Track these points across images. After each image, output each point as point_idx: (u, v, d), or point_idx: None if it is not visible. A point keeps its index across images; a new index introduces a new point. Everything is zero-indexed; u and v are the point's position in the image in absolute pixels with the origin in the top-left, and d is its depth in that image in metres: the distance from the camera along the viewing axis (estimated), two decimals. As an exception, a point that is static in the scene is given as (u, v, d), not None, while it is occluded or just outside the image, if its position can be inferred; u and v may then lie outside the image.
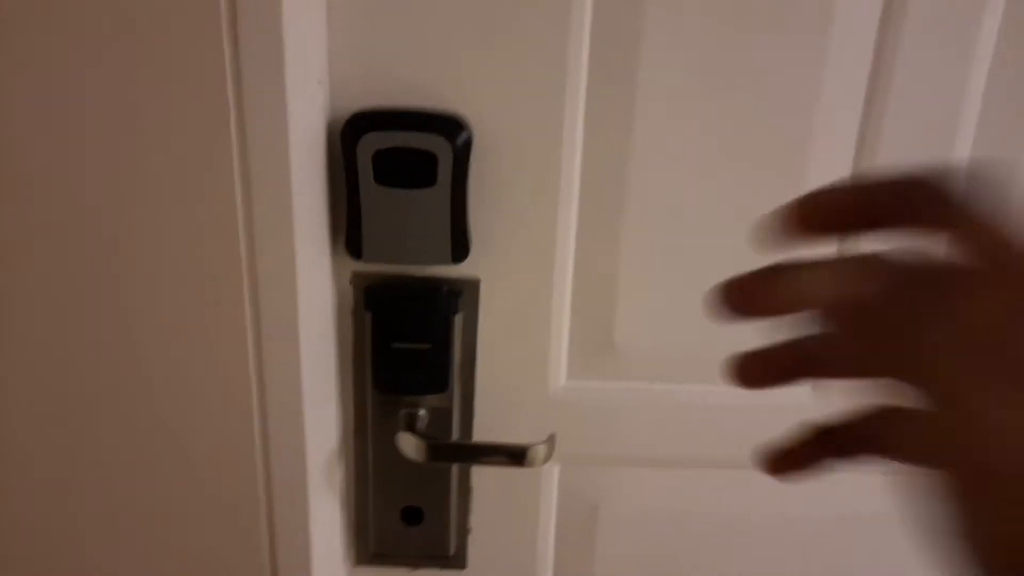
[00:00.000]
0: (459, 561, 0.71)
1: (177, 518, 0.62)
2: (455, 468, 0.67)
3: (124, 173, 0.52)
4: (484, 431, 0.67)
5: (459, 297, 0.62)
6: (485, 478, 0.69)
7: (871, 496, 0.71)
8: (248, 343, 0.57)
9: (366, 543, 0.70)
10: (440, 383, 0.63)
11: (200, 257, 0.54)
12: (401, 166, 0.55)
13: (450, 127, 0.55)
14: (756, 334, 0.32)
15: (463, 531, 0.71)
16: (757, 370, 0.30)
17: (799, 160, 0.60)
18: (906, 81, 0.58)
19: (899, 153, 0.60)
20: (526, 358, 0.65)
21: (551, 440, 0.62)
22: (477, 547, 0.72)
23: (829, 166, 0.61)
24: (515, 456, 0.61)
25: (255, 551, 0.63)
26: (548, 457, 0.62)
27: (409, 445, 0.61)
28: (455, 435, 0.66)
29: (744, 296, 0.27)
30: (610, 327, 0.65)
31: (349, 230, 0.58)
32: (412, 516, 0.69)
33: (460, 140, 0.55)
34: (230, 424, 0.59)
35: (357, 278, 0.62)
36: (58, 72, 0.50)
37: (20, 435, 0.59)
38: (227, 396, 0.58)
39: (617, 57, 0.57)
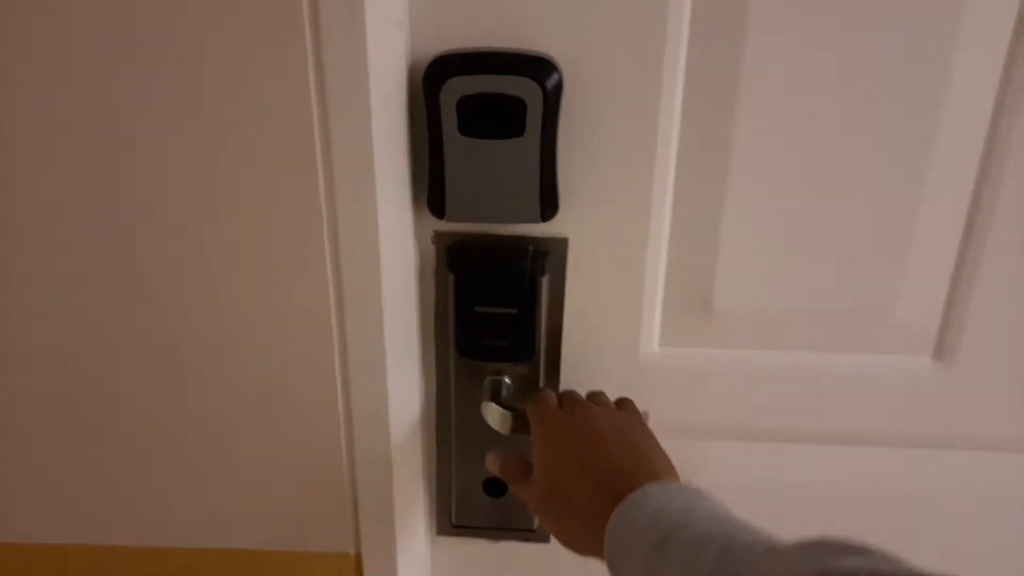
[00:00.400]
0: (543, 535, 0.69)
1: (262, 486, 0.61)
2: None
3: (198, 129, 0.49)
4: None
5: (546, 258, 0.58)
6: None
7: (981, 476, 0.66)
8: (331, 306, 0.54)
9: (448, 513, 0.68)
10: (526, 350, 0.59)
11: (279, 216, 0.52)
12: (487, 114, 0.51)
13: (540, 69, 0.50)
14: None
15: (547, 504, 0.68)
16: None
17: (927, 115, 0.54)
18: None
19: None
20: (617, 323, 0.61)
21: (645, 416, 0.58)
22: (562, 520, 0.68)
23: (960, 122, 0.54)
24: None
25: (339, 519, 0.62)
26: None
27: (493, 416, 0.58)
28: (540, 403, 0.63)
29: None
30: (709, 290, 0.60)
31: (431, 186, 0.54)
32: (495, 488, 0.66)
33: (551, 84, 0.50)
34: (313, 388, 0.57)
35: (439, 237, 0.59)
36: (129, 16, 0.47)
37: (108, 414, 0.59)
38: (310, 360, 0.56)
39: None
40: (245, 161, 0.50)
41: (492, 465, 0.58)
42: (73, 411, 0.59)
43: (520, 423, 0.57)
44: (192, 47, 0.48)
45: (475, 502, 0.67)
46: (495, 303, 0.58)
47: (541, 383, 0.62)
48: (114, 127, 0.50)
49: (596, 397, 0.57)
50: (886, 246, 0.58)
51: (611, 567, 0.45)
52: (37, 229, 0.53)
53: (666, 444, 0.66)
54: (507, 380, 0.61)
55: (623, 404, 0.57)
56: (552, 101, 0.51)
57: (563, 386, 0.63)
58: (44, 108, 0.49)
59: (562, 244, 0.58)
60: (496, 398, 0.60)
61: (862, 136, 0.55)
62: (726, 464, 0.66)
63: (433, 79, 0.51)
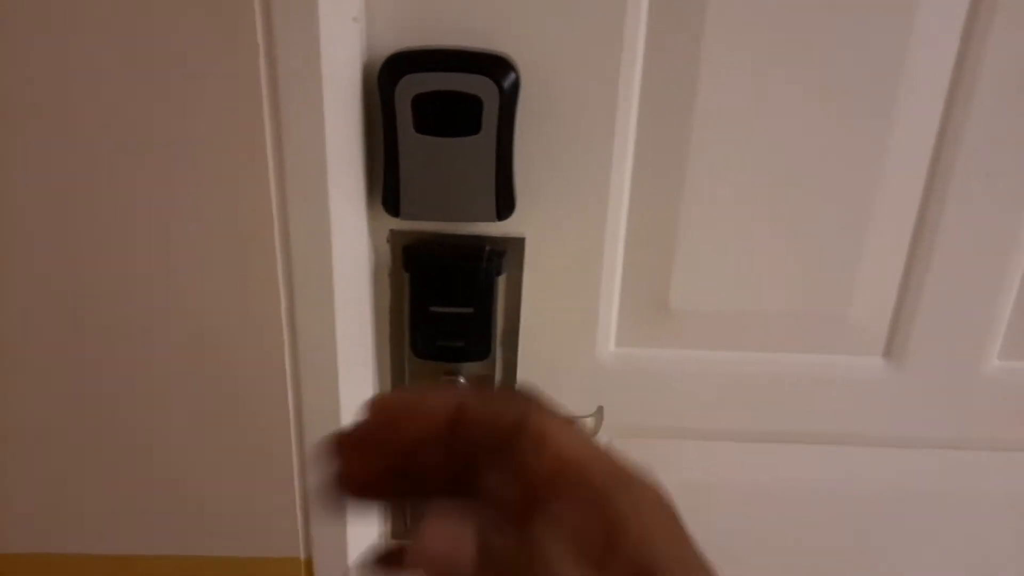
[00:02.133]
0: (500, 536, 0.68)
1: (211, 491, 0.59)
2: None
3: (148, 122, 0.48)
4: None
5: (503, 257, 0.57)
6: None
7: (928, 474, 0.67)
8: (281, 304, 0.53)
9: (402, 519, 0.67)
10: (481, 350, 0.59)
11: (229, 211, 0.50)
12: (443, 112, 0.50)
13: (497, 68, 0.50)
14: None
15: (504, 505, 0.67)
16: None
17: (878, 121, 0.55)
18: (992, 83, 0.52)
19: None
20: (573, 323, 0.61)
21: (599, 413, 0.58)
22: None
23: (910, 126, 0.55)
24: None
25: (289, 524, 0.60)
26: (596, 431, 0.58)
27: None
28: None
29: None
30: (665, 291, 0.60)
31: (386, 184, 0.54)
32: (451, 489, 0.65)
33: (507, 82, 0.50)
34: (264, 391, 0.56)
35: (395, 236, 0.58)
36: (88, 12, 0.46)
37: (52, 399, 0.57)
38: (260, 362, 0.54)
39: (680, -9, 0.51)
40: (194, 159, 0.49)
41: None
42: (29, 416, 0.57)
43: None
44: (138, 40, 0.46)
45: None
46: (451, 303, 0.57)
47: (496, 382, 0.62)
48: (67, 126, 0.48)
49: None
50: (838, 248, 0.59)
51: None
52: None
53: (622, 444, 0.66)
54: (463, 380, 0.61)
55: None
56: (509, 100, 0.50)
57: (520, 384, 0.63)
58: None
59: (519, 244, 0.58)
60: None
61: (816, 139, 0.55)
62: (682, 463, 0.67)
63: (388, 76, 0.50)
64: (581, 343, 0.61)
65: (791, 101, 0.54)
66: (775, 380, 0.63)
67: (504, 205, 0.54)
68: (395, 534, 0.68)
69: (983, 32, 0.52)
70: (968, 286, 0.60)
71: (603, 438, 0.65)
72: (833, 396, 0.64)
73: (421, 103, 0.50)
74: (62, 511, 0.61)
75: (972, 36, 0.53)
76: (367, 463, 0.25)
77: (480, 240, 0.57)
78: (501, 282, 0.58)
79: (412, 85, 0.50)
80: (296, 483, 0.59)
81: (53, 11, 0.46)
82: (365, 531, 0.64)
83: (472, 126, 0.51)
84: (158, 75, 0.47)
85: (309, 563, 0.62)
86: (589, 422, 0.57)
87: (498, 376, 0.61)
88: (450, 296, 0.57)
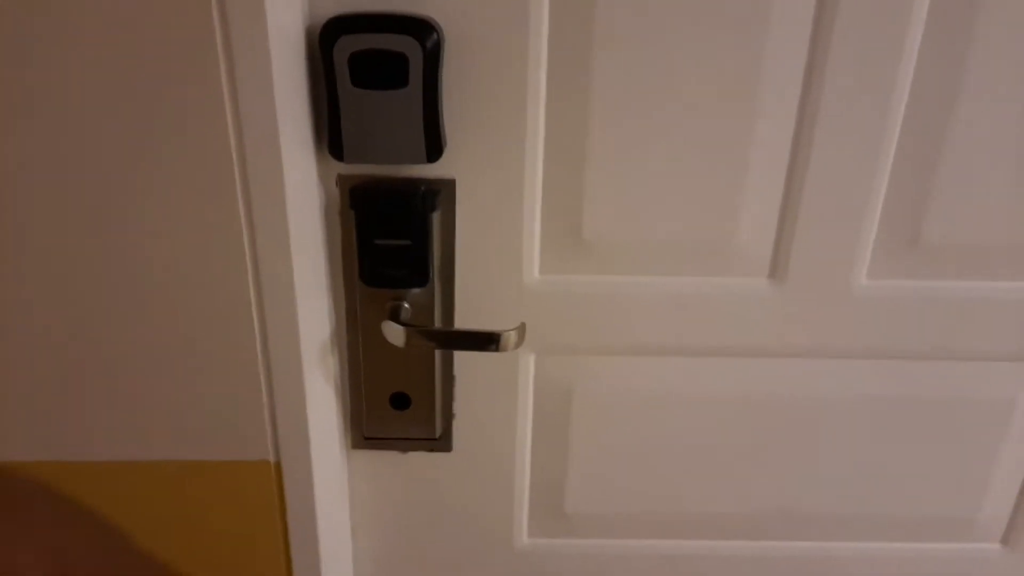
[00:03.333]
0: (445, 444, 0.78)
1: (186, 401, 0.68)
2: (439, 357, 0.73)
3: (114, 82, 0.56)
4: (464, 323, 0.73)
5: (436, 196, 0.66)
6: (467, 367, 0.75)
7: (805, 381, 0.77)
8: (244, 241, 0.62)
9: (359, 428, 0.77)
10: (421, 277, 0.68)
11: (192, 159, 0.59)
12: (375, 68, 0.59)
13: (420, 29, 0.58)
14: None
15: (448, 416, 0.77)
16: None
17: (754, 51, 0.64)
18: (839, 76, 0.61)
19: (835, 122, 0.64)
20: (501, 253, 0.70)
21: (522, 328, 0.67)
22: (461, 431, 0.78)
23: (782, 67, 0.64)
24: (488, 341, 0.66)
25: (258, 438, 0.70)
26: (519, 343, 0.67)
27: (392, 332, 0.67)
28: (437, 326, 0.72)
29: None
30: (578, 223, 0.69)
31: (331, 132, 0.62)
32: (400, 402, 0.75)
33: (430, 42, 0.59)
34: (230, 316, 0.65)
35: (342, 179, 0.67)
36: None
37: (38, 325, 0.65)
38: (226, 290, 0.63)
39: (578, -40, 0.60)
40: (159, 115, 0.57)
41: None
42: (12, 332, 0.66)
43: (415, 338, 0.66)
44: (104, 13, 0.54)
45: (383, 416, 0.76)
46: (392, 236, 0.66)
47: (436, 307, 0.71)
48: (52, 97, 0.56)
49: None
50: (725, 182, 0.68)
51: None
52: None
53: (551, 361, 0.76)
54: (406, 305, 0.70)
55: None
56: (431, 56, 0.59)
57: (457, 311, 0.72)
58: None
59: (451, 184, 0.67)
60: (396, 318, 0.68)
61: (699, 86, 0.64)
62: (600, 376, 0.77)
63: (327, 37, 0.58)
64: (508, 271, 0.71)
65: (677, 48, 0.63)
66: (675, 300, 0.73)
67: (432, 149, 0.63)
68: (355, 444, 0.78)
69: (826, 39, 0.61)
70: (837, 213, 0.69)
71: (528, 353, 0.75)
72: (725, 313, 0.74)
73: (356, 60, 0.59)
74: (41, 422, 0.69)
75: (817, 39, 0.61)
76: None
77: (416, 181, 0.66)
78: (436, 218, 0.67)
79: (348, 45, 0.58)
80: (264, 394, 0.68)
81: (36, -15, 0.53)
82: (329, 439, 0.74)
83: (401, 80, 0.59)
84: (122, 41, 0.55)
85: (278, 466, 0.72)
86: (513, 335, 0.66)
87: (437, 300, 0.71)
88: (391, 230, 0.66)
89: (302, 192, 0.63)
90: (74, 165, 0.59)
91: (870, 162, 0.67)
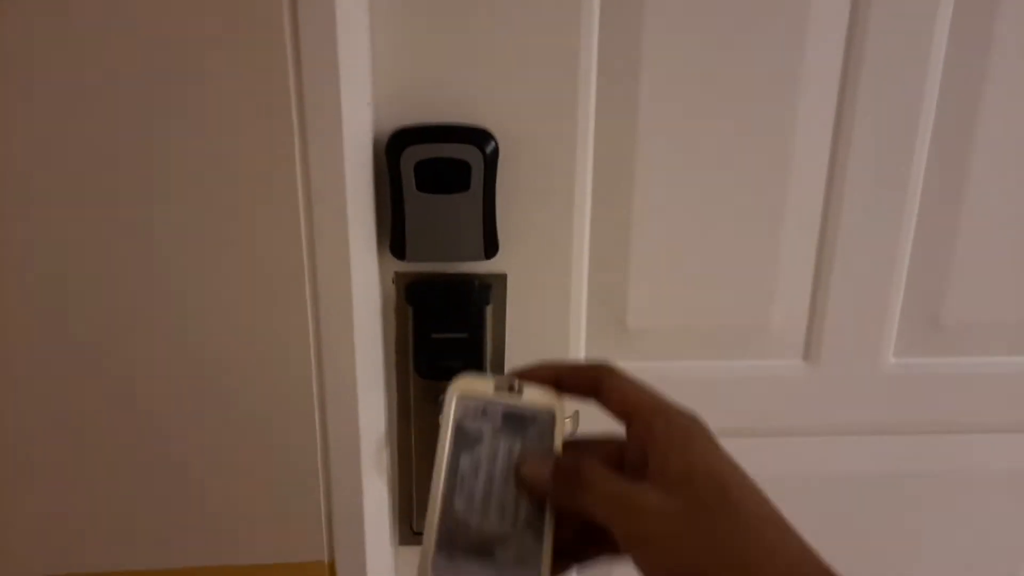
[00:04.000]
0: (494, 535, 0.78)
1: (239, 509, 0.68)
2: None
3: (199, 185, 0.59)
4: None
5: (489, 290, 0.70)
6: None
7: (842, 458, 0.80)
8: (310, 341, 0.64)
9: (408, 523, 0.77)
10: (476, 368, 0.70)
11: (266, 260, 0.61)
12: (439, 174, 0.63)
13: (480, 138, 0.63)
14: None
15: (496, 507, 0.78)
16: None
17: (782, 152, 0.69)
18: (874, 81, 0.68)
19: (868, 146, 0.70)
20: (550, 342, 0.73)
21: (575, 416, 0.69)
22: (509, 522, 0.79)
23: (808, 165, 0.70)
24: (546, 429, 0.68)
25: (314, 537, 0.69)
26: (575, 430, 0.69)
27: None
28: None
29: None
30: (623, 312, 0.73)
31: (394, 234, 0.66)
32: (451, 494, 0.75)
33: (489, 149, 0.63)
34: (292, 413, 0.66)
35: (398, 276, 0.70)
36: (140, 90, 0.57)
37: (88, 423, 0.66)
38: (291, 384, 0.65)
39: (622, 75, 0.66)
40: (239, 216, 0.60)
41: (538, 471, 0.38)
42: (57, 432, 0.66)
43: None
44: (196, 118, 0.58)
45: (434, 509, 0.76)
46: (448, 330, 0.69)
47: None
48: (119, 184, 0.59)
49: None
50: (758, 269, 0.73)
51: None
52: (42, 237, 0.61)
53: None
54: (459, 397, 0.72)
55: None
56: (491, 162, 0.63)
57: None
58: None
59: (502, 279, 0.70)
60: (452, 412, 0.69)
61: (731, 178, 0.69)
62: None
63: (395, 147, 0.62)
64: (557, 358, 0.73)
65: (711, 148, 0.69)
66: (714, 383, 0.76)
67: (490, 246, 0.66)
68: (403, 540, 0.78)
69: (859, 56, 0.67)
70: (865, 296, 0.74)
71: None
72: (762, 394, 0.77)
73: (421, 168, 0.63)
74: (89, 528, 0.68)
75: (851, 59, 0.67)
76: None
77: (470, 277, 0.69)
78: (489, 311, 0.70)
79: (414, 154, 0.62)
80: (321, 491, 0.68)
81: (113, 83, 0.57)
82: (380, 536, 0.74)
83: (463, 184, 0.63)
84: (210, 147, 0.58)
85: (332, 565, 0.71)
86: (568, 423, 0.68)
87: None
88: (447, 324, 0.69)
89: (365, 291, 0.66)
90: (154, 255, 0.61)
91: (892, 247, 0.72)
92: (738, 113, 0.68)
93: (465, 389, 0.39)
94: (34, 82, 0.56)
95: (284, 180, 0.59)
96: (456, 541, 0.36)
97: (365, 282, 0.66)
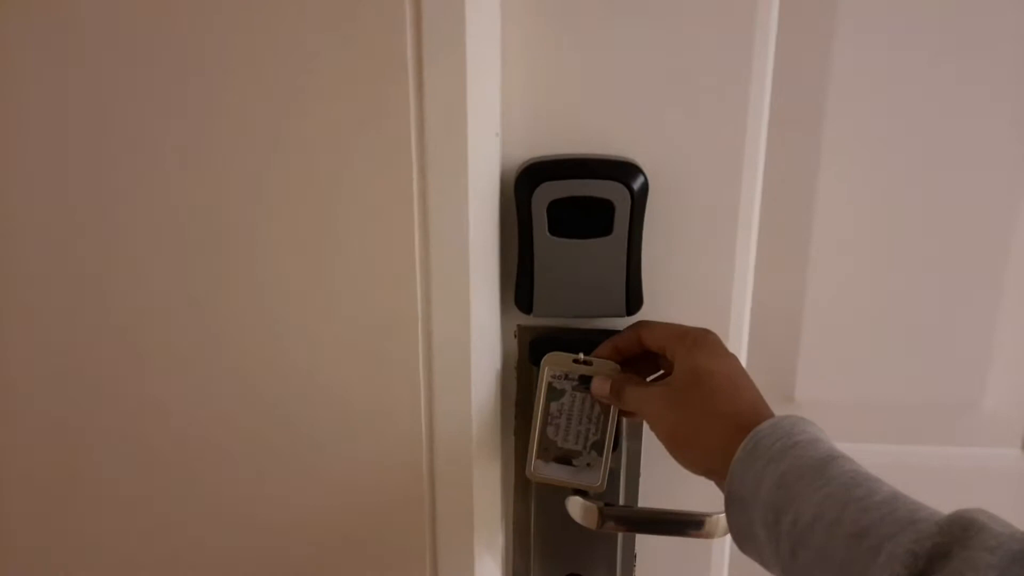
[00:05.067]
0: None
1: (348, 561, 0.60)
2: (621, 534, 0.64)
3: (317, 226, 0.52)
4: (651, 493, 0.63)
5: (628, 351, 0.59)
6: (650, 542, 0.65)
7: None
8: (420, 398, 0.55)
9: (526, 565, 0.67)
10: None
11: (376, 308, 0.54)
12: (576, 215, 0.53)
13: (627, 173, 0.53)
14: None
15: (626, 601, 0.66)
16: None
17: (1001, 211, 0.55)
18: None
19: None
20: (698, 415, 0.61)
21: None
22: (640, 618, 0.67)
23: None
24: (693, 525, 0.56)
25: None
26: (728, 530, 0.57)
27: (580, 511, 0.58)
28: (621, 498, 0.62)
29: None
30: (791, 382, 0.60)
31: (520, 284, 0.56)
32: (575, 583, 0.65)
33: (638, 186, 0.53)
34: (398, 480, 0.57)
35: (522, 331, 0.60)
36: (264, 128, 0.51)
37: (177, 459, 0.60)
38: (397, 450, 0.56)
39: (799, 103, 0.54)
40: (347, 254, 0.53)
41: (601, 388, 0.54)
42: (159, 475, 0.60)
43: (608, 519, 0.57)
44: (313, 147, 0.51)
45: (553, 600, 0.65)
46: (579, 396, 0.59)
47: (622, 474, 0.62)
48: (237, 225, 0.53)
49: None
50: (967, 336, 0.58)
51: (732, 482, 0.46)
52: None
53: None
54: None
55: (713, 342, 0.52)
56: (639, 202, 0.53)
57: (644, 478, 0.63)
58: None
59: (643, 338, 0.59)
60: (579, 491, 0.60)
61: (938, 226, 0.56)
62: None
63: (526, 184, 0.53)
64: (705, 435, 0.62)
65: (908, 190, 0.55)
66: (905, 471, 0.62)
67: (633, 301, 0.56)
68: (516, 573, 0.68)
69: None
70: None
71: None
72: (968, 488, 0.62)
73: (556, 207, 0.53)
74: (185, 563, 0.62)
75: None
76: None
77: (604, 334, 0.59)
78: (626, 375, 0.59)
79: (548, 192, 0.53)
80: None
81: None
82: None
83: (605, 228, 0.53)
84: (324, 188, 0.51)
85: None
86: (721, 519, 0.56)
87: (623, 466, 0.62)
88: (578, 389, 0.59)
89: (485, 347, 0.57)
90: (264, 310, 0.55)
91: None
92: (947, 141, 0.54)
93: (553, 360, 0.56)
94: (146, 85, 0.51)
95: (400, 218, 0.51)
96: (548, 453, 0.57)
97: (485, 337, 0.57)
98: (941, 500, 0.63)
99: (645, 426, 0.61)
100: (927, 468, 0.61)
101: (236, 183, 0.52)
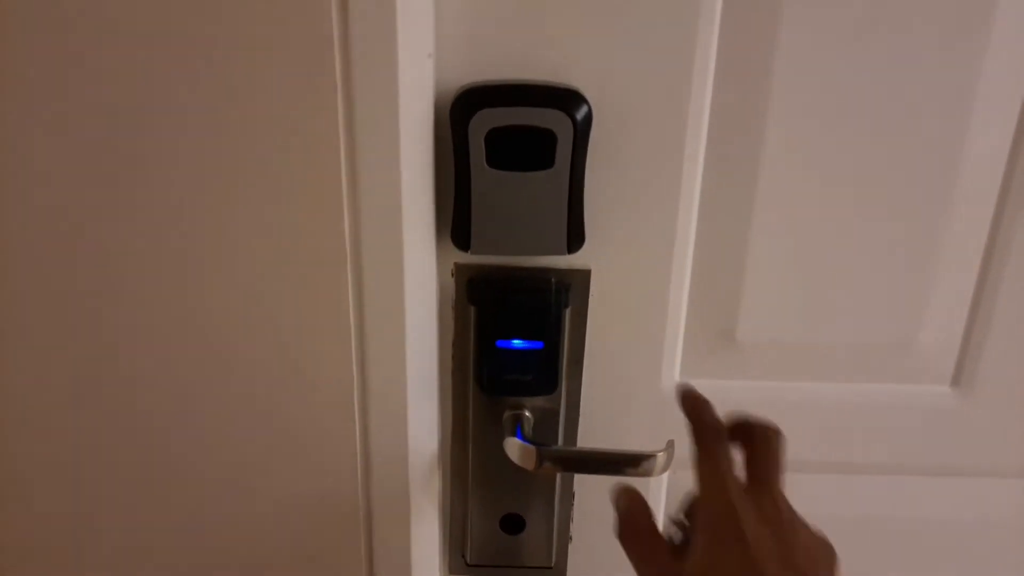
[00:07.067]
0: (559, 572, 0.67)
1: (274, 517, 0.58)
2: (559, 474, 0.63)
3: (224, 153, 0.48)
4: (591, 433, 0.63)
5: (569, 290, 0.57)
6: (588, 483, 0.65)
7: (995, 503, 0.66)
8: (351, 339, 0.52)
9: (462, 552, 0.66)
10: (549, 384, 0.58)
11: (301, 249, 0.50)
12: (517, 146, 0.50)
13: (570, 102, 0.50)
14: None
15: (564, 540, 0.66)
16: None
17: (946, 154, 0.54)
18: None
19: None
20: (638, 354, 0.60)
21: (670, 448, 0.57)
22: (578, 557, 0.67)
23: (975, 163, 0.54)
24: (631, 465, 0.56)
25: (353, 557, 0.59)
26: (667, 466, 0.57)
27: (519, 452, 0.57)
28: (560, 438, 0.61)
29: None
30: (732, 321, 0.59)
31: (457, 219, 0.53)
32: (512, 525, 0.64)
33: (581, 116, 0.50)
34: (331, 421, 0.55)
35: (459, 269, 0.57)
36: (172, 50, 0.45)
37: (121, 431, 0.56)
38: (328, 391, 0.54)
39: (750, 35, 0.51)
40: (269, 191, 0.49)
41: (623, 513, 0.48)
42: (87, 452, 0.56)
43: (546, 459, 0.56)
44: (216, 74, 0.46)
45: (491, 540, 0.65)
46: (519, 336, 0.57)
47: (561, 416, 0.61)
48: (138, 150, 0.48)
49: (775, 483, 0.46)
50: (906, 276, 0.58)
51: None
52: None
53: (687, 477, 0.65)
54: (527, 414, 0.60)
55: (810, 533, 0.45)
56: (582, 133, 0.50)
57: (582, 420, 0.62)
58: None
59: (585, 276, 0.57)
60: (518, 433, 0.58)
61: (882, 168, 0.55)
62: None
63: (462, 111, 0.50)
64: (647, 374, 0.61)
65: (859, 130, 0.54)
66: (841, 410, 0.62)
67: (575, 238, 0.54)
68: (453, 569, 0.67)
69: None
70: (1036, 313, 0.59)
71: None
72: (899, 426, 0.63)
73: (495, 138, 0.50)
74: (122, 554, 0.60)
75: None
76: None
77: (546, 273, 0.57)
78: (567, 315, 0.57)
79: (486, 120, 0.50)
80: (361, 519, 0.58)
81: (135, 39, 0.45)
82: (428, 566, 0.63)
83: (546, 160, 0.50)
84: (239, 107, 0.46)
85: (372, 601, 0.61)
86: (661, 458, 0.56)
87: (562, 408, 0.60)
88: (518, 330, 0.56)
89: (419, 286, 0.54)
90: (177, 248, 0.50)
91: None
92: (899, 83, 0.52)
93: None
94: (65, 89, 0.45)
95: (324, 147, 0.47)
96: None
97: (420, 275, 0.54)
98: (876, 437, 0.64)
99: (584, 366, 0.60)
100: (865, 405, 0.62)
101: (154, 99, 0.47)
